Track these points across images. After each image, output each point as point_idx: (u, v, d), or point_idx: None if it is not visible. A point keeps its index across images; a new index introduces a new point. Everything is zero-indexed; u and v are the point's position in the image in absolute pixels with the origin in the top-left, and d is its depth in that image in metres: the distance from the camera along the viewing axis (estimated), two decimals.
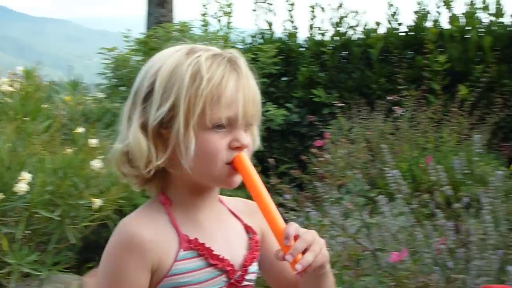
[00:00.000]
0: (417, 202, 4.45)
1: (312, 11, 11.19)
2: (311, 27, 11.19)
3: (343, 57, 10.93)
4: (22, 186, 4.73)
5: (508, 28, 10.64)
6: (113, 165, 1.83)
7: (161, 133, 1.76)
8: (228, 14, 11.15)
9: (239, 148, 1.78)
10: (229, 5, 11.18)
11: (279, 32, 11.35)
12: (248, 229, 1.93)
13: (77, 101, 7.79)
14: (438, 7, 10.87)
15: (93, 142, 5.66)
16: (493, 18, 10.71)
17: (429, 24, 10.82)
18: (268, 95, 9.96)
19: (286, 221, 1.71)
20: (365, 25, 11.05)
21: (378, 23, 10.94)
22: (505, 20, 10.71)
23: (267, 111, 9.02)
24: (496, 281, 3.85)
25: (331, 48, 10.96)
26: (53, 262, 5.05)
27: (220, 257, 1.81)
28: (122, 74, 7.93)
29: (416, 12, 10.89)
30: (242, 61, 1.81)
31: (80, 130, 6.08)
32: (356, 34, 11.06)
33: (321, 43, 10.98)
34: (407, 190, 4.27)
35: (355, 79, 10.57)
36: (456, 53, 10.30)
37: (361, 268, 3.65)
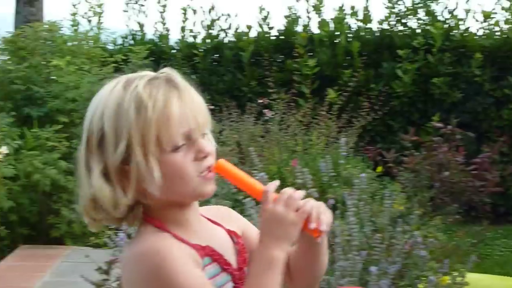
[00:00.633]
0: None
1: (184, 13, 11.15)
2: (182, 29, 11.15)
3: (214, 60, 10.96)
4: None
5: (375, 34, 10.93)
6: (83, 214, 1.79)
7: (124, 170, 1.72)
8: (98, 14, 10.98)
9: (205, 157, 1.76)
10: (99, 5, 11.01)
11: (150, 33, 11.28)
12: (231, 234, 1.90)
13: None
14: (308, 12, 11.05)
15: None
16: (361, 24, 10.98)
17: (299, 28, 10.99)
18: None
19: None
20: (237, 28, 11.11)
21: (249, 27, 11.01)
22: (373, 26, 11.00)
23: None
24: (359, 282, 3.92)
25: (203, 50, 10.96)
26: None
27: (228, 261, 1.81)
28: None
29: (286, 17, 11.03)
30: (178, 78, 1.78)
31: None
32: (228, 37, 11.10)
33: (193, 46, 10.97)
34: None
35: (226, 81, 10.60)
36: (325, 57, 10.50)
37: None
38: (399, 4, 11.04)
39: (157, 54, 10.66)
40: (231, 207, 2.11)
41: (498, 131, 10.33)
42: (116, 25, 11.87)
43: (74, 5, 10.96)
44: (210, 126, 1.82)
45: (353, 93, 9.87)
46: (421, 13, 11.02)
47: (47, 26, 8.09)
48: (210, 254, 1.77)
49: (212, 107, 8.89)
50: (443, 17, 10.98)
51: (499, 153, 9.78)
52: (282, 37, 10.96)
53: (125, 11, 11.31)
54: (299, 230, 1.72)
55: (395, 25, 11.02)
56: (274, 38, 11.01)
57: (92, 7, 10.95)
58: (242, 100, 10.04)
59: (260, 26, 11.04)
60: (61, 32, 8.35)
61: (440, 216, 4.92)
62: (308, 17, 11.04)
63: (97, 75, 7.58)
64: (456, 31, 10.79)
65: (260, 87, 10.39)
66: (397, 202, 5.22)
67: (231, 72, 10.71)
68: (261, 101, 9.36)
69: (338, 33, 10.78)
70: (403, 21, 11.02)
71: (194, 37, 11.16)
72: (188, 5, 11.16)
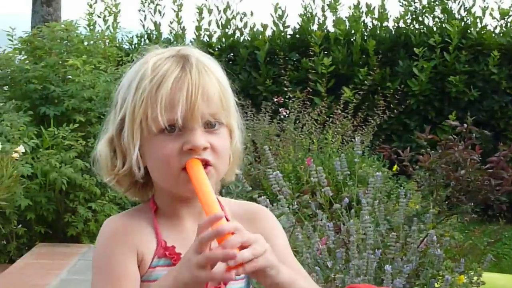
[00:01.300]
0: (298, 203, 4.47)
1: (200, 13, 11.17)
2: (198, 28, 11.17)
3: (230, 59, 10.96)
4: None
5: (391, 32, 10.91)
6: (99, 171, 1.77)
7: (122, 143, 1.70)
8: (114, 13, 11.01)
9: (192, 150, 1.62)
10: (115, 5, 11.05)
11: (166, 32, 11.30)
12: None
13: None
14: (324, 11, 11.04)
15: None
16: (377, 22, 10.96)
17: (314, 27, 10.98)
18: None
19: None
20: (252, 27, 11.11)
21: (264, 26, 11.01)
22: (389, 24, 10.98)
23: None
24: (374, 280, 3.91)
25: (218, 49, 10.97)
26: None
27: None
28: (4, 74, 7.70)
29: (302, 15, 11.02)
30: (194, 56, 1.67)
31: None
32: (243, 36, 11.10)
33: (208, 45, 10.97)
34: (289, 191, 4.29)
35: (241, 80, 10.61)
36: (341, 56, 10.48)
37: None
38: (415, 2, 11.02)
39: None
40: None
41: None
42: (132, 24, 11.95)
43: (90, 5, 10.99)
44: (228, 117, 1.70)
45: (369, 91, 9.86)
46: (438, 11, 10.99)
47: (63, 25, 8.11)
48: (170, 256, 1.67)
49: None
50: (459, 14, 10.95)
51: None
52: (298, 35, 10.97)
53: (141, 10, 11.33)
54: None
55: (411, 23, 11.00)
56: (289, 36, 11.01)
57: (108, 7, 10.98)
58: (258, 99, 10.05)
59: (276, 24, 11.05)
60: (77, 31, 8.37)
61: (456, 215, 4.88)
62: (324, 15, 11.04)
63: (113, 74, 7.60)
64: (473, 29, 10.74)
65: (275, 86, 10.39)
66: (413, 201, 5.20)
67: (247, 71, 10.71)
68: (276, 100, 9.37)
69: (354, 31, 10.76)
70: (419, 19, 11.00)
71: (210, 36, 11.18)
72: (203, 4, 11.20)
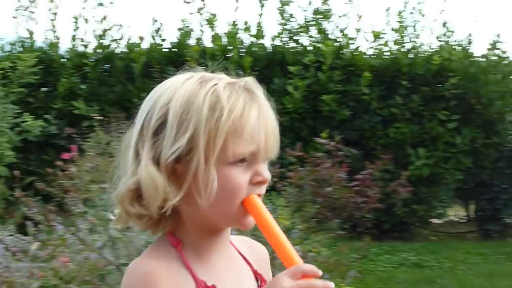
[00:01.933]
0: None
1: (75, 22, 10.99)
2: (73, 38, 10.98)
3: (105, 70, 10.83)
4: None
5: (267, 50, 11.03)
6: (116, 203, 1.59)
7: (175, 169, 1.55)
8: None
9: (261, 183, 1.58)
10: None
11: (40, 41, 11.05)
12: (257, 276, 1.71)
13: None
14: (202, 26, 11.06)
15: None
16: (254, 39, 11.06)
17: (192, 41, 10.97)
18: (26, 105, 9.64)
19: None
20: (129, 39, 11.02)
21: (141, 38, 10.94)
22: (265, 41, 11.09)
23: (24, 121, 8.71)
24: None
25: (94, 60, 10.82)
26: None
27: None
28: None
29: (179, 29, 11.01)
30: (260, 91, 1.62)
31: None
32: (119, 48, 10.99)
33: (83, 55, 10.81)
34: None
35: (116, 92, 10.48)
36: (217, 72, 10.49)
37: (104, 283, 3.57)
38: (291, 21, 11.18)
39: (46, 62, 10.45)
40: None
41: (384, 149, 10.57)
42: (5, 31, 11.61)
43: None
44: (275, 154, 1.64)
45: None
46: (313, 31, 11.19)
47: None
48: None
49: (101, 117, 8.78)
50: (334, 35, 11.18)
51: (384, 171, 10.01)
52: (175, 49, 10.93)
53: (14, 17, 11.05)
54: None
55: (287, 41, 11.15)
56: (166, 50, 10.96)
57: None
58: (132, 112, 9.92)
59: (153, 37, 10.99)
60: None
61: (323, 231, 4.97)
62: (201, 30, 11.05)
63: None
64: (347, 49, 11.00)
65: None
66: (283, 217, 5.25)
67: (122, 83, 10.60)
68: None
69: (231, 47, 10.82)
70: (295, 38, 11.17)
71: (85, 46, 11.01)
72: (79, 14, 11.01)
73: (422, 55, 11.19)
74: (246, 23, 11.10)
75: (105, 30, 10.97)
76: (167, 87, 1.61)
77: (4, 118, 8.37)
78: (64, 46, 11.05)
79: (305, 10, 11.27)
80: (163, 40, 11.01)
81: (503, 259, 9.64)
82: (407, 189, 5.00)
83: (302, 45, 11.11)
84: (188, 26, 11.05)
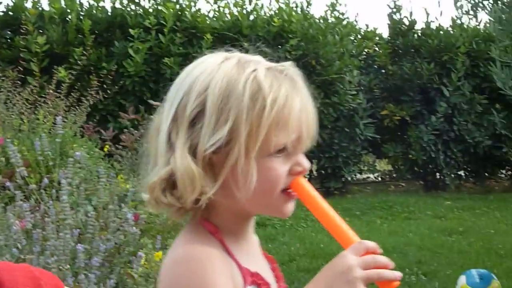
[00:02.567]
0: None
1: None
2: None
3: None
4: None
5: (107, 13, 10.86)
6: (146, 190, 1.51)
7: (211, 160, 1.48)
8: None
9: (301, 172, 1.53)
10: None
11: None
12: (268, 258, 1.68)
13: None
14: None
15: None
16: (93, 2, 10.86)
17: (29, 4, 10.66)
18: None
19: None
20: None
21: None
22: (105, 4, 10.92)
23: None
24: (71, 260, 3.89)
25: None
26: None
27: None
28: None
29: None
30: (300, 77, 1.56)
31: None
32: None
33: None
34: None
35: None
36: (56, 35, 10.27)
37: None
38: None
39: None
40: None
41: None
42: None
43: None
44: (313, 143, 1.59)
45: (84, 72, 9.75)
46: None
47: None
48: (258, 283, 1.53)
49: None
50: None
51: None
52: (11, 13, 10.58)
53: None
54: None
55: (127, 4, 11.02)
56: (1, 13, 10.60)
57: None
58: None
59: None
60: None
61: None
62: None
63: None
64: (188, 12, 10.98)
65: None
66: (122, 180, 5.24)
67: None
68: None
69: (69, 10, 10.59)
70: (136, 0, 11.04)
71: None
72: None
73: (263, 17, 11.33)
74: None
75: None
76: (203, 71, 1.51)
77: None
78: None
79: None
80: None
81: (342, 214, 9.87)
82: None
83: (142, 7, 11.00)
84: None
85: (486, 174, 13.53)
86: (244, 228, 1.59)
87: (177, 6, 10.94)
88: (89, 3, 10.86)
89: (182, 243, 1.51)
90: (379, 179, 14.41)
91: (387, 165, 14.17)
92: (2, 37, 10.21)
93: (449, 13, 21.26)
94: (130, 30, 10.42)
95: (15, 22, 10.36)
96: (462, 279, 5.29)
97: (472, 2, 6.43)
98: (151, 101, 4.98)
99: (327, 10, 12.10)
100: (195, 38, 10.79)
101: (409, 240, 8.30)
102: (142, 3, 11.07)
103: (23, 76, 9.18)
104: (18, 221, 4.13)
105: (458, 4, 6.61)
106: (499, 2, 5.80)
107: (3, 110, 7.85)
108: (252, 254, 1.60)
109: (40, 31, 10.29)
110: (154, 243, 4.28)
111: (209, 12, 11.30)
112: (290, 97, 1.49)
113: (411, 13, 12.81)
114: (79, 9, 10.73)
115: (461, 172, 12.97)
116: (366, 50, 13.10)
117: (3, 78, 8.58)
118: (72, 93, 8.59)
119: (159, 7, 10.88)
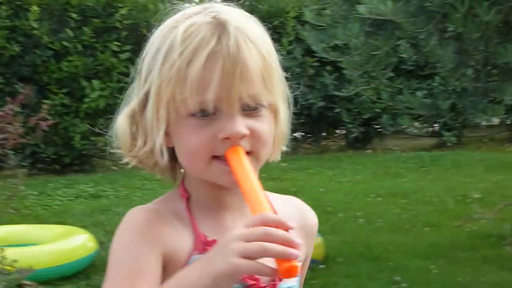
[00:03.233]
0: None
1: None
2: None
3: None
4: None
5: None
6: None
7: (140, 119, 1.46)
8: None
9: (228, 139, 1.38)
10: None
11: None
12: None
13: None
14: None
15: None
16: None
17: None
18: None
19: None
20: None
21: None
22: None
23: None
24: None
25: None
26: None
27: None
28: None
29: None
30: (233, 23, 1.40)
31: None
32: None
33: None
34: None
35: None
36: None
37: None
38: None
39: None
40: None
41: (58, 83, 10.54)
42: None
43: None
44: (274, 98, 1.45)
45: None
46: None
47: None
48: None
49: None
50: None
51: (62, 105, 10.01)
52: None
53: None
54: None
55: None
56: None
57: None
58: None
59: None
60: None
61: None
62: None
63: None
64: None
65: None
66: None
67: None
68: None
69: None
70: None
71: None
72: None
73: None
74: None
75: None
76: (158, 29, 1.49)
77: None
78: None
79: None
80: None
81: None
82: (48, 122, 5.01)
83: None
84: None
85: (323, 134, 13.95)
86: (220, 198, 1.50)
87: None
88: None
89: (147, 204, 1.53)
90: None
91: None
92: None
93: None
94: None
95: None
96: None
97: None
98: None
99: None
100: (22, 10, 10.51)
101: None
102: None
103: None
104: None
105: None
106: None
107: None
108: (229, 226, 1.47)
109: None
110: None
111: None
112: (198, 49, 1.38)
113: None
114: None
115: (297, 134, 13.30)
116: None
117: None
118: None
119: None
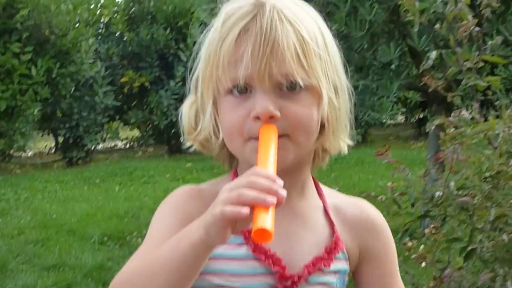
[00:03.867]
0: None
1: None
2: None
3: None
4: None
5: None
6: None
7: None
8: None
9: (257, 118, 1.35)
10: None
11: None
12: (337, 242, 1.48)
13: None
14: None
15: None
16: None
17: None
18: None
19: None
20: None
21: None
22: None
23: None
24: None
25: None
26: None
27: (270, 252, 1.42)
28: None
29: None
30: (271, 2, 1.38)
31: None
32: None
33: None
34: None
35: None
36: None
37: None
38: None
39: None
40: None
41: None
42: None
43: None
44: (310, 77, 1.38)
45: None
46: None
47: None
48: (243, 233, 1.42)
49: None
50: None
51: None
52: None
53: None
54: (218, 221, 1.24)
55: None
56: None
57: None
58: None
59: None
60: None
61: None
62: None
63: None
64: None
65: None
66: None
67: None
68: None
69: None
70: None
71: None
72: None
73: None
74: None
75: None
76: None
77: None
78: None
79: None
80: None
81: (81, 184, 9.99)
82: None
83: None
84: None
85: None
86: None
87: None
88: None
89: None
90: (127, 146, 14.51)
91: (133, 131, 14.26)
92: None
93: None
94: None
95: None
96: None
97: None
98: None
99: None
100: None
101: (143, 203, 8.47)
102: None
103: None
104: None
105: None
106: None
107: None
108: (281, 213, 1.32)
109: None
110: None
111: None
112: (233, 27, 1.38)
113: None
114: None
115: None
116: (103, 18, 13.09)
117: None
118: None
119: None
